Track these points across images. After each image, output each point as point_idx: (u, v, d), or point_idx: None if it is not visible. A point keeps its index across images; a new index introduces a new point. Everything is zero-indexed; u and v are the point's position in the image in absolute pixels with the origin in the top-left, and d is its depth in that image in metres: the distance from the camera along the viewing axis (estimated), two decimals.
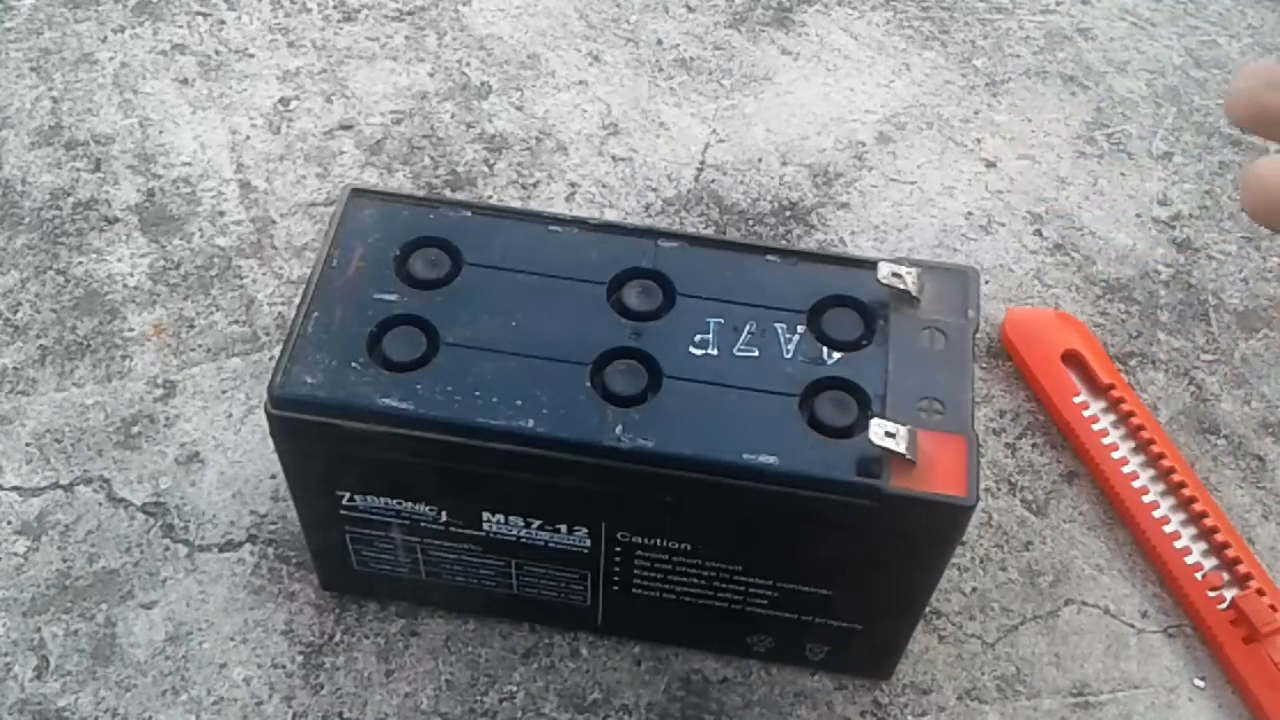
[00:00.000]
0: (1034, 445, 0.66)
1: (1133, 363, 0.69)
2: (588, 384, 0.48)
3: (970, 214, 0.75)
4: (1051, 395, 0.66)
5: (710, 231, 0.74)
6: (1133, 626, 0.60)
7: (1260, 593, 0.59)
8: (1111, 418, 0.65)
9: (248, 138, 0.77)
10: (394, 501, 0.51)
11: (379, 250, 0.52)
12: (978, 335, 0.52)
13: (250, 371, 0.67)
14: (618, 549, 0.51)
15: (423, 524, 0.52)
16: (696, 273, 0.51)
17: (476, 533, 0.52)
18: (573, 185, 0.76)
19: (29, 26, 0.83)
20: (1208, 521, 0.61)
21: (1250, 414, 0.67)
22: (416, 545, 0.54)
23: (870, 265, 0.51)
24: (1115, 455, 0.64)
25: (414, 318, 0.50)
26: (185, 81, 0.80)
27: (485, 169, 0.76)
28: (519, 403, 0.47)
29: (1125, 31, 0.86)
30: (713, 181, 0.76)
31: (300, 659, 0.57)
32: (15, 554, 0.60)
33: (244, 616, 0.59)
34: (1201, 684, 0.58)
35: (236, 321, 0.69)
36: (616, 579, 0.53)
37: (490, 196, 0.75)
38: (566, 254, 0.52)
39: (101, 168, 0.75)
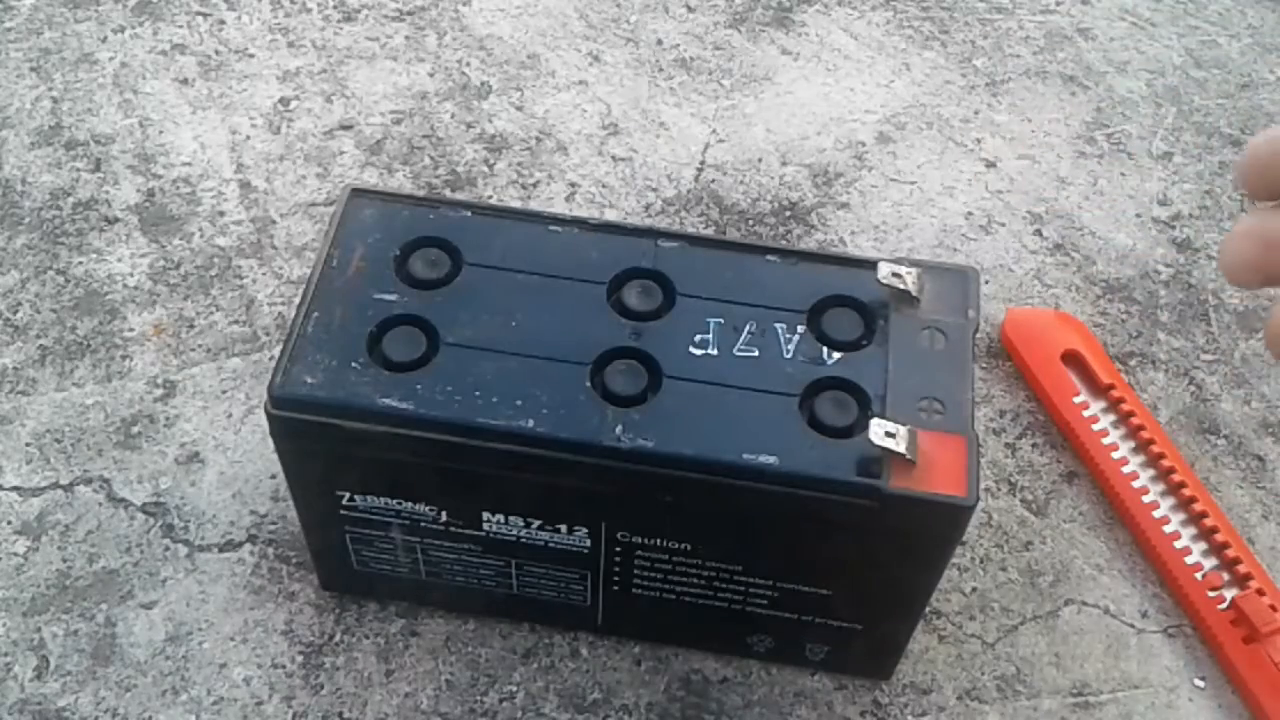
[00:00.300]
0: (1034, 445, 0.66)
1: (1133, 363, 0.69)
2: (588, 384, 0.48)
3: (970, 214, 0.75)
4: (1051, 395, 0.66)
5: (710, 231, 0.74)
6: (1133, 626, 0.60)
7: (1260, 593, 0.59)
8: (1111, 418, 0.65)
9: (248, 138, 0.77)
10: (394, 501, 0.51)
11: (379, 250, 0.52)
12: (978, 335, 0.52)
13: (250, 371, 0.67)
14: (618, 549, 0.51)
15: (423, 524, 0.52)
16: (696, 273, 0.51)
17: (476, 533, 0.52)
18: (573, 185, 0.76)
19: (29, 26, 0.83)
20: (1208, 521, 0.61)
21: (1250, 414, 0.67)
22: (416, 545, 0.54)
23: (870, 265, 0.51)
24: (1115, 455, 0.64)
25: (414, 318, 0.50)
26: (185, 81, 0.80)
27: (485, 169, 0.76)
28: (519, 403, 0.47)
29: (1125, 31, 0.86)
30: (713, 181, 0.76)
31: (300, 659, 0.57)
32: (15, 554, 0.60)
33: (244, 616, 0.59)
34: (1201, 684, 0.58)
35: (236, 321, 0.69)
36: (616, 579, 0.53)
37: (490, 196, 0.75)
38: (566, 254, 0.52)
39: (101, 168, 0.75)
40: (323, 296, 0.50)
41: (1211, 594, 0.59)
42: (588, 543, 0.51)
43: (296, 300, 0.60)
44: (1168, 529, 0.61)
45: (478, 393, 0.48)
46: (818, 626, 0.54)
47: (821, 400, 0.48)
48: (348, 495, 0.52)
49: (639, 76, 0.82)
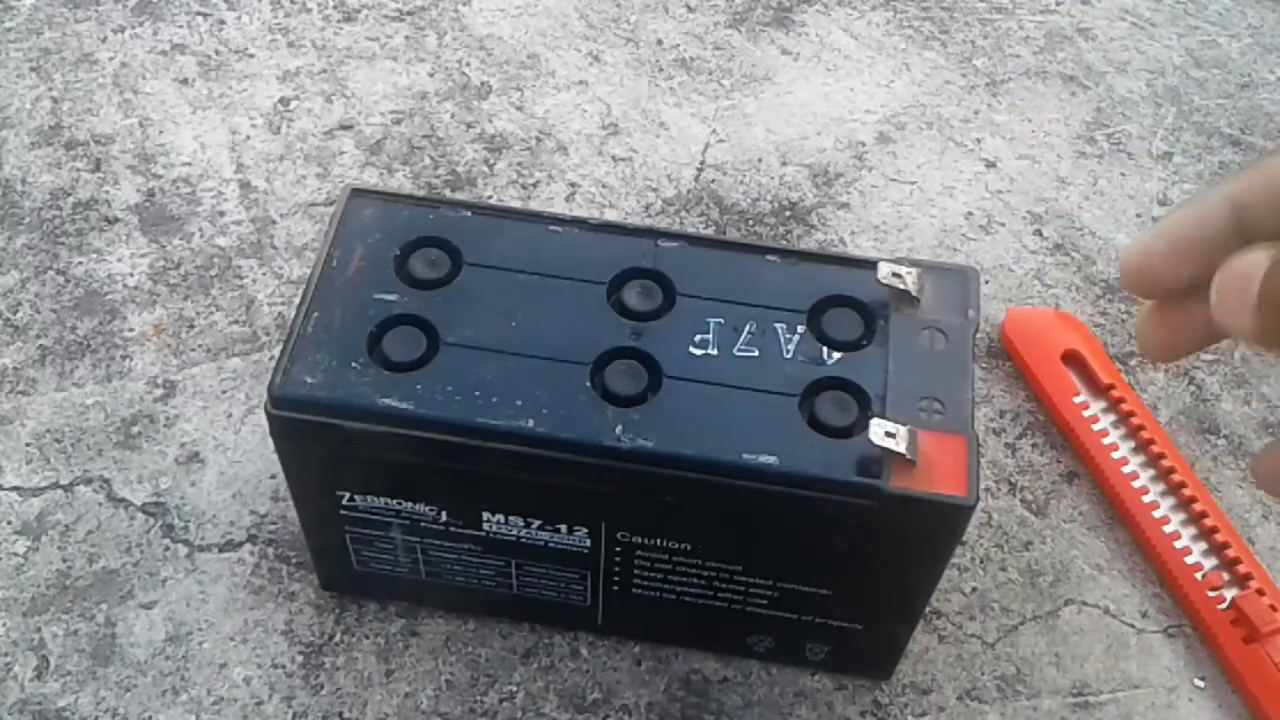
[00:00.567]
0: (1034, 445, 0.66)
1: (1133, 363, 0.69)
2: (588, 384, 0.48)
3: (970, 214, 0.75)
4: (1051, 395, 0.66)
5: (710, 231, 0.74)
6: (1133, 626, 0.60)
7: (1260, 593, 0.59)
8: (1111, 418, 0.65)
9: (248, 138, 0.77)
10: (394, 501, 0.51)
11: (379, 250, 0.52)
12: (978, 335, 0.52)
13: (250, 371, 0.67)
14: (618, 549, 0.51)
15: (423, 524, 0.52)
16: (696, 273, 0.51)
17: (476, 533, 0.52)
18: (573, 185, 0.76)
19: (29, 26, 0.83)
20: (1208, 521, 0.61)
21: (1250, 414, 0.67)
22: (416, 545, 0.54)
23: (870, 265, 0.51)
24: (1115, 455, 0.64)
25: (414, 318, 0.50)
26: (185, 81, 0.80)
27: (485, 169, 0.76)
28: (519, 403, 0.47)
29: (1125, 31, 0.86)
30: (713, 181, 0.76)
31: (300, 659, 0.57)
32: (15, 554, 0.60)
33: (244, 616, 0.59)
34: (1201, 684, 0.58)
35: (236, 321, 0.69)
36: (616, 579, 0.53)
37: (490, 196, 0.75)
38: (566, 254, 0.52)
39: (101, 168, 0.75)
40: (323, 296, 0.50)
41: (1211, 594, 0.59)
42: (588, 543, 0.51)
43: (296, 300, 0.60)
44: (1168, 529, 0.61)
45: (478, 393, 0.48)
46: (818, 626, 0.54)
47: (821, 400, 0.48)
48: (348, 495, 0.52)
49: (639, 76, 0.82)
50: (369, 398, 0.47)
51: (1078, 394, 0.66)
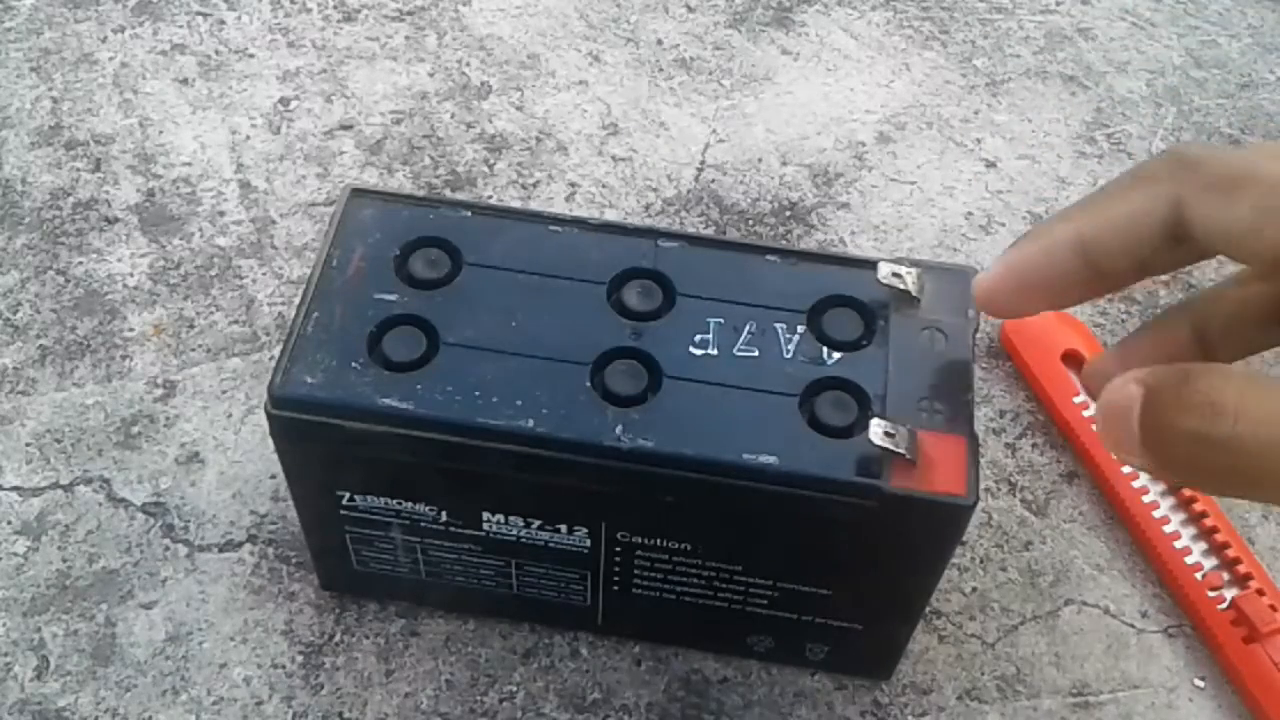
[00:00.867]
0: (1034, 445, 0.66)
1: None
2: (588, 384, 0.48)
3: (970, 214, 0.75)
4: (1051, 395, 0.66)
5: (710, 231, 0.74)
6: (1133, 626, 0.60)
7: (1260, 593, 0.59)
8: None
9: (248, 138, 0.77)
10: (394, 501, 0.51)
11: (379, 250, 0.52)
12: (978, 335, 0.52)
13: (250, 371, 0.67)
14: (618, 549, 0.51)
15: (423, 524, 0.52)
16: (696, 273, 0.51)
17: (476, 533, 0.52)
18: (573, 185, 0.76)
19: (29, 26, 0.83)
20: (1208, 521, 0.61)
21: None
22: (416, 545, 0.54)
23: (870, 265, 0.51)
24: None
25: (414, 318, 0.50)
26: (185, 81, 0.80)
27: (485, 169, 0.76)
28: (519, 403, 0.47)
29: (1125, 31, 0.86)
30: (713, 181, 0.76)
31: (300, 659, 0.57)
32: (15, 554, 0.60)
33: (244, 616, 0.59)
34: (1201, 684, 0.58)
35: (236, 321, 0.69)
36: (616, 579, 0.53)
37: (490, 196, 0.75)
38: (566, 254, 0.52)
39: (101, 168, 0.75)
40: (323, 296, 0.50)
41: (1211, 594, 0.59)
42: (588, 543, 0.51)
43: (296, 300, 0.60)
44: (1168, 529, 0.61)
45: (478, 393, 0.48)
46: (818, 626, 0.54)
47: (821, 400, 0.48)
48: (348, 495, 0.52)
49: (639, 76, 0.82)
50: (369, 398, 0.47)
51: (1078, 394, 0.66)
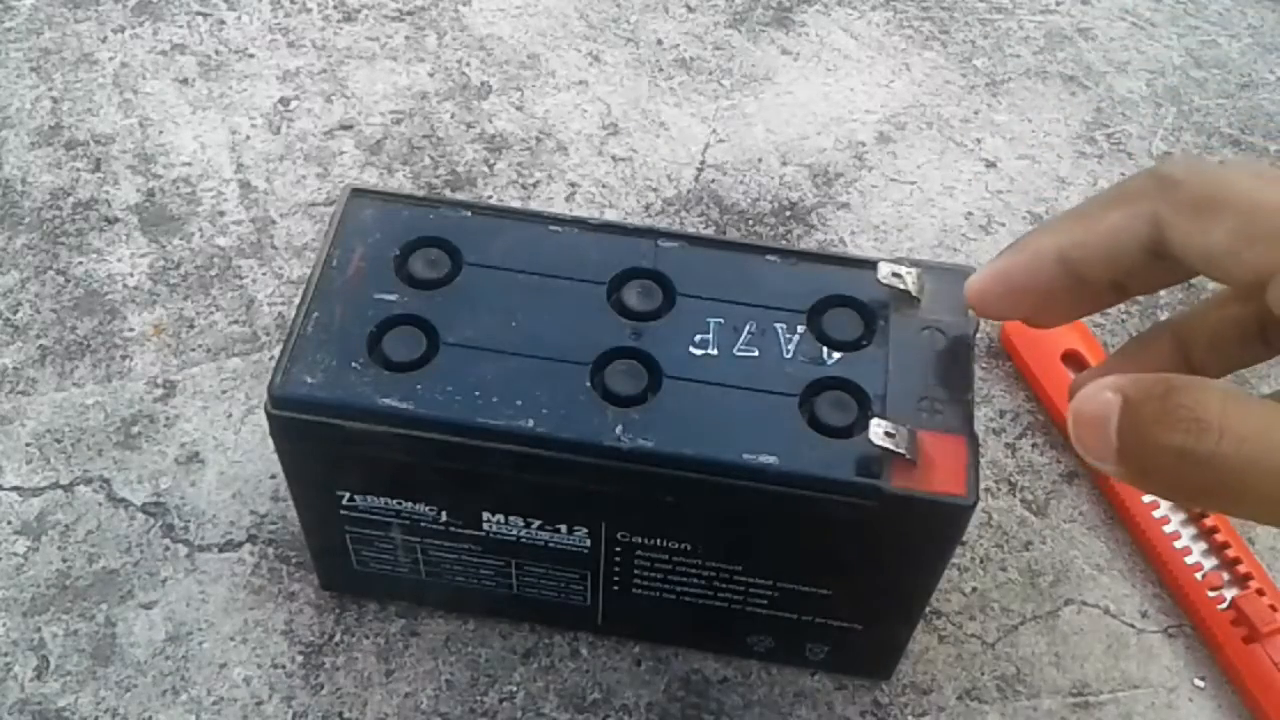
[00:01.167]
0: (1034, 445, 0.66)
1: None
2: (588, 384, 0.48)
3: (970, 214, 0.75)
4: (1051, 395, 0.66)
5: (710, 231, 0.74)
6: (1133, 626, 0.60)
7: (1260, 593, 0.59)
8: None
9: (248, 138, 0.77)
10: (394, 501, 0.51)
11: (379, 250, 0.52)
12: (978, 335, 0.52)
13: (250, 371, 0.67)
14: (618, 549, 0.51)
15: (423, 524, 0.52)
16: (696, 273, 0.51)
17: (476, 533, 0.52)
18: (573, 185, 0.76)
19: (29, 26, 0.83)
20: (1208, 521, 0.61)
21: None
22: (416, 545, 0.54)
23: (870, 265, 0.51)
24: None
25: (414, 318, 0.50)
26: (185, 81, 0.80)
27: (485, 169, 0.76)
28: (519, 403, 0.47)
29: (1125, 31, 0.86)
30: (713, 181, 0.76)
31: (300, 659, 0.57)
32: (15, 554, 0.60)
33: (244, 616, 0.59)
34: (1201, 684, 0.58)
35: (236, 321, 0.69)
36: (616, 579, 0.53)
37: (490, 196, 0.75)
38: (566, 254, 0.52)
39: (101, 168, 0.75)
40: (323, 296, 0.50)
41: (1211, 594, 0.59)
42: (588, 543, 0.51)
43: (296, 300, 0.60)
44: (1168, 529, 0.61)
45: (478, 393, 0.48)
46: (818, 626, 0.54)
47: (821, 400, 0.48)
48: (348, 495, 0.52)
49: (639, 76, 0.82)
50: (369, 398, 0.47)
51: None
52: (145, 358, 0.67)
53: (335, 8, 0.85)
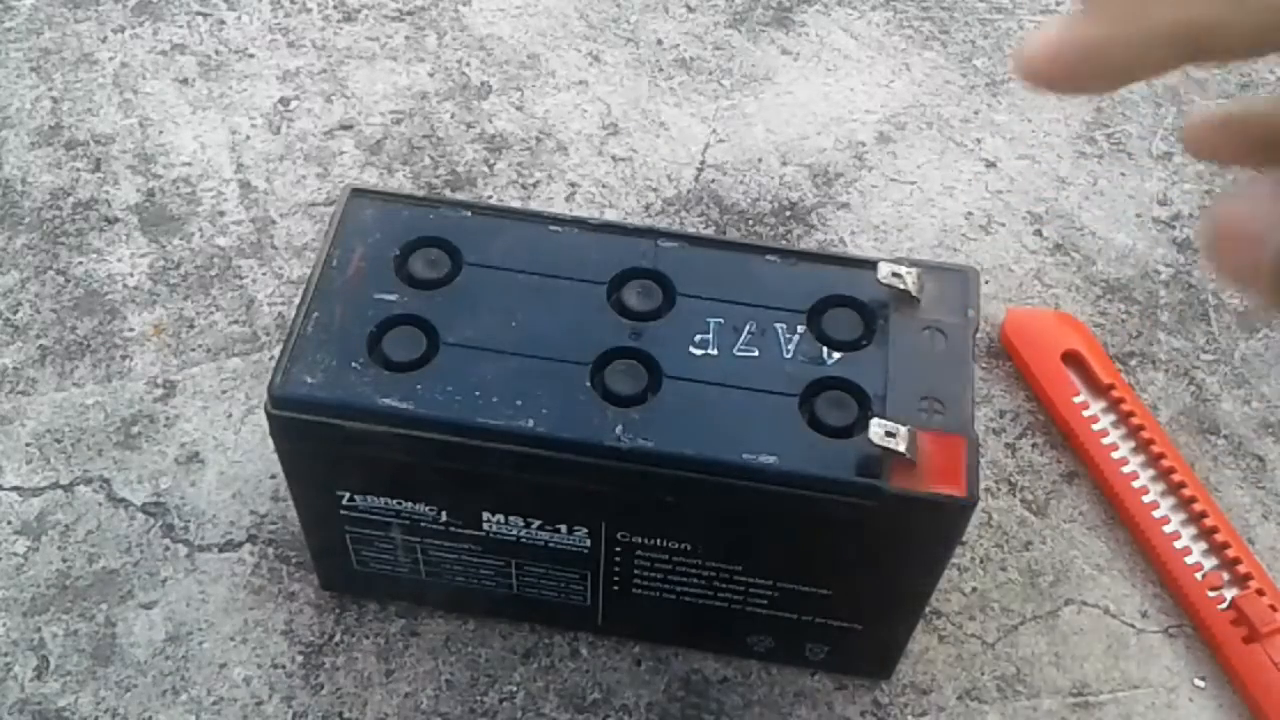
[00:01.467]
0: (1034, 445, 0.66)
1: (1133, 363, 0.69)
2: (588, 384, 0.48)
3: (970, 214, 0.75)
4: (1051, 395, 0.66)
5: (710, 231, 0.74)
6: (1133, 626, 0.60)
7: (1260, 593, 0.59)
8: (1111, 418, 0.65)
9: (248, 138, 0.77)
10: (394, 501, 0.51)
11: (379, 250, 0.52)
12: (978, 335, 0.52)
13: (250, 371, 0.67)
14: (618, 549, 0.51)
15: (423, 524, 0.52)
16: (696, 273, 0.51)
17: (476, 533, 0.52)
18: (573, 185, 0.76)
19: (29, 26, 0.83)
20: (1208, 521, 0.61)
21: (1250, 414, 0.67)
22: (416, 545, 0.54)
23: (870, 265, 0.51)
24: (1115, 455, 0.64)
25: (414, 318, 0.50)
26: (185, 81, 0.80)
27: (485, 169, 0.76)
28: (519, 403, 0.47)
29: None
30: (713, 181, 0.76)
31: (300, 659, 0.57)
32: (15, 554, 0.60)
33: (244, 616, 0.59)
34: (1201, 684, 0.58)
35: (236, 321, 0.69)
36: (616, 579, 0.53)
37: (490, 196, 0.75)
38: (566, 254, 0.52)
39: (101, 168, 0.75)
40: (323, 296, 0.50)
41: (1211, 594, 0.59)
42: (588, 543, 0.51)
43: (296, 300, 0.60)
44: (1168, 529, 0.61)
45: (478, 393, 0.48)
46: (818, 626, 0.54)
47: (821, 400, 0.48)
48: (348, 495, 0.52)
49: (639, 76, 0.82)
50: (369, 398, 0.47)
51: (1078, 394, 0.66)
52: (145, 358, 0.67)
53: (335, 8, 0.85)
